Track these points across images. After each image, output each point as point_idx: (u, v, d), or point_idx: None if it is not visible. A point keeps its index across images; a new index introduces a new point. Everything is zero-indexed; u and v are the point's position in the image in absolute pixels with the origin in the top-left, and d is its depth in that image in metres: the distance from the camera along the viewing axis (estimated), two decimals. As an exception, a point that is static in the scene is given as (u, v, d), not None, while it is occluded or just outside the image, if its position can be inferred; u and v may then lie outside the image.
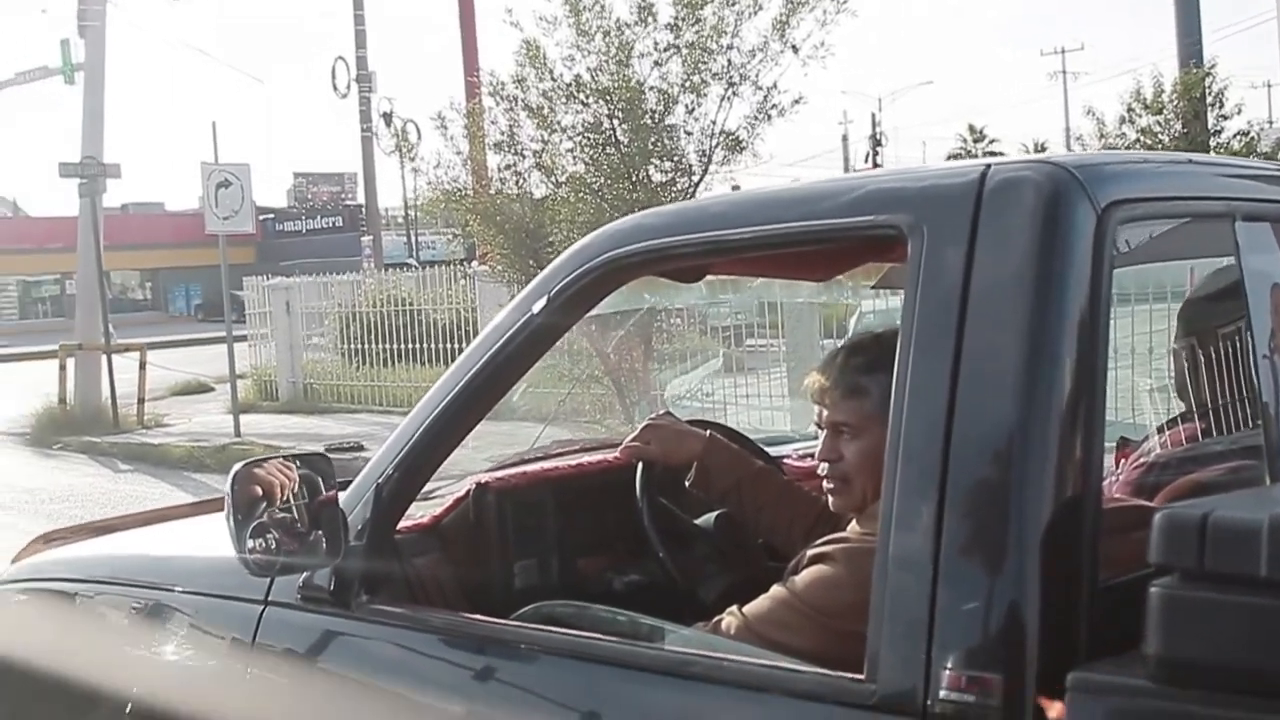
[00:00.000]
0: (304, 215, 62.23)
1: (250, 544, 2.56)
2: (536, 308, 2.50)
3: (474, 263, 18.48)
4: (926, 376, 1.97)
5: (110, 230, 21.68)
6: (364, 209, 43.57)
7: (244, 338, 21.20)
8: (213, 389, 22.73)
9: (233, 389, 17.82)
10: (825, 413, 2.53)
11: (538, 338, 2.58)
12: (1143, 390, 3.22)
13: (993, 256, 1.96)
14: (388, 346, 19.09)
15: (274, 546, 2.58)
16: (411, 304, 18.92)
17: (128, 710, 3.05)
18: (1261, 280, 2.35)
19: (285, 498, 2.60)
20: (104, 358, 18.78)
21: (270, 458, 2.64)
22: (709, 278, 2.96)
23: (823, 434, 2.56)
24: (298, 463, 2.65)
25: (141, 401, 18.99)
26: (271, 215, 60.76)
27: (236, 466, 2.59)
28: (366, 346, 19.41)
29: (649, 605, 2.55)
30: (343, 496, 2.67)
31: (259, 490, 2.60)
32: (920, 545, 1.90)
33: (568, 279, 2.48)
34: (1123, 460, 2.92)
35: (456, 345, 17.24)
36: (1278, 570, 1.58)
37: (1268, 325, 2.35)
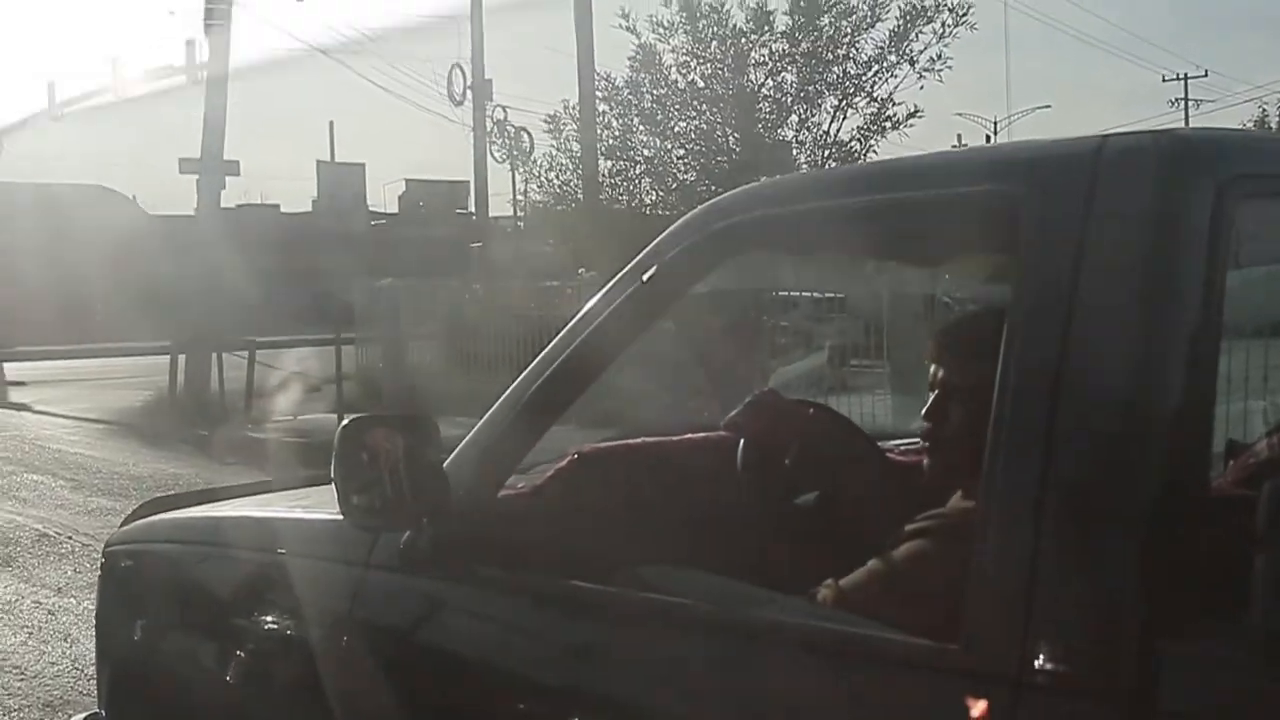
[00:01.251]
0: (415, 222, 62.85)
1: (354, 500, 2.60)
2: (646, 276, 2.51)
3: (581, 270, 18.59)
4: (1034, 346, 1.95)
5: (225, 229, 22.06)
6: (474, 216, 43.94)
7: (351, 340, 21.45)
8: (319, 388, 23.02)
9: (338, 387, 18.04)
10: (939, 372, 2.52)
11: (646, 307, 2.59)
12: (1257, 399, 3.17)
13: (1107, 225, 1.94)
14: (493, 350, 19.22)
15: (377, 506, 2.62)
16: (518, 310, 19.03)
17: (230, 671, 3.11)
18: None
19: (391, 462, 2.63)
20: (215, 352, 19.09)
21: (377, 418, 2.67)
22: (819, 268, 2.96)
23: (933, 395, 2.54)
24: (403, 425, 2.68)
25: (250, 396, 19.28)
26: (383, 221, 61.46)
27: (344, 422, 2.64)
28: (473, 349, 19.55)
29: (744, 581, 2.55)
30: (447, 461, 2.70)
31: (364, 455, 2.64)
32: (1022, 516, 1.88)
33: (679, 248, 2.49)
34: (1232, 462, 2.87)
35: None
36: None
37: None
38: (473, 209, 45.98)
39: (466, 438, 2.75)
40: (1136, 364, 1.87)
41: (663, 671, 2.31)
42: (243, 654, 3.10)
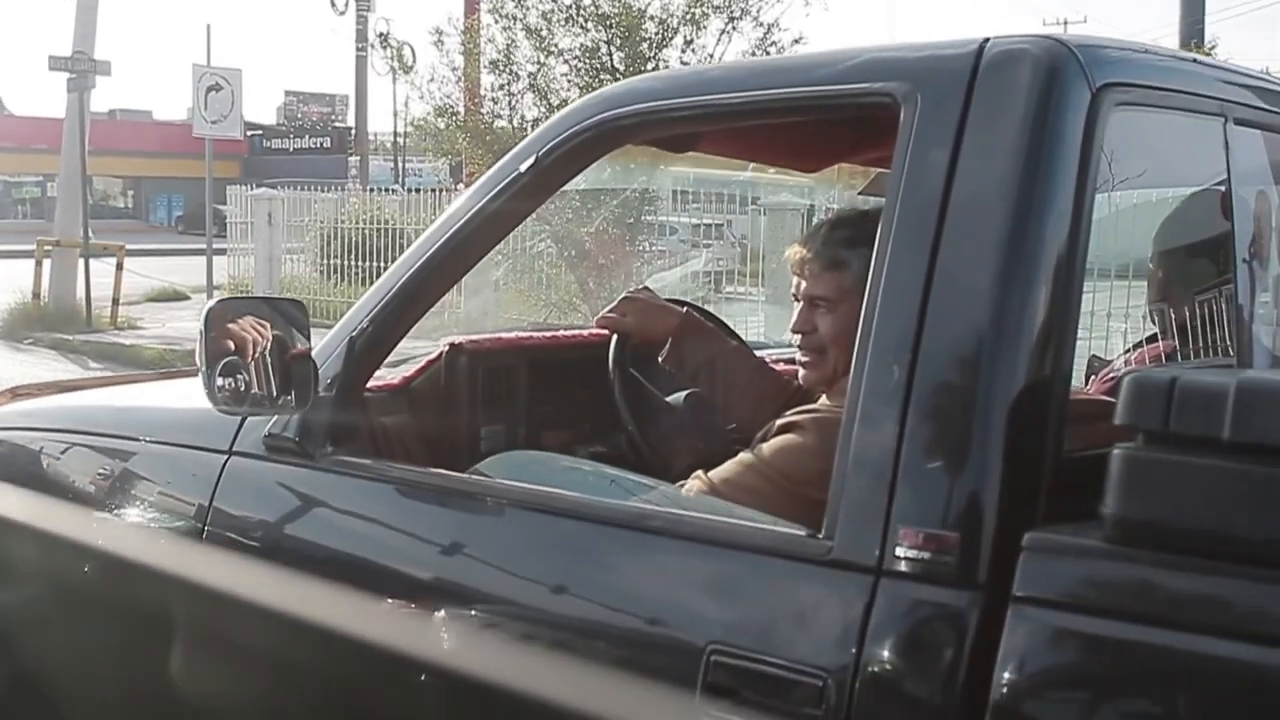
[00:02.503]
0: (292, 134, 61.72)
1: (220, 382, 2.55)
2: (524, 167, 2.49)
3: (460, 185, 18.42)
4: (908, 245, 1.96)
5: (96, 135, 21.52)
6: (353, 131, 43.36)
7: (224, 251, 21.06)
8: (188, 297, 22.61)
9: (209, 296, 17.74)
10: (804, 284, 2.54)
11: (522, 198, 2.56)
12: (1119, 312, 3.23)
13: (984, 126, 1.95)
14: (367, 265, 19.00)
15: (243, 389, 2.58)
16: (394, 225, 18.82)
17: (87, 565, 3.05)
18: (1248, 185, 2.36)
19: (258, 346, 2.59)
20: (80, 257, 18.65)
21: (245, 299, 2.62)
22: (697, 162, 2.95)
23: (799, 306, 2.56)
24: (271, 309, 2.64)
25: (116, 303, 18.89)
26: (260, 132, 60.27)
27: (210, 303, 2.59)
28: (346, 264, 19.31)
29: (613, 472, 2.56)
30: (315, 348, 2.66)
31: (231, 338, 2.60)
32: (887, 409, 1.91)
33: (558, 139, 2.47)
34: (1093, 378, 2.94)
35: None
36: (1242, 433, 1.59)
37: (1250, 230, 2.37)
38: (352, 123, 45.55)
39: (336, 326, 2.72)
40: (1006, 264, 1.89)
41: (525, 559, 2.31)
42: (101, 543, 3.04)
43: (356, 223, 19.42)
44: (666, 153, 2.86)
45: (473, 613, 2.33)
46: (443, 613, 2.35)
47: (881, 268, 1.98)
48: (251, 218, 20.56)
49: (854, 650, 1.83)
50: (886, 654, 1.82)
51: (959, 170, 1.95)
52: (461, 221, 2.56)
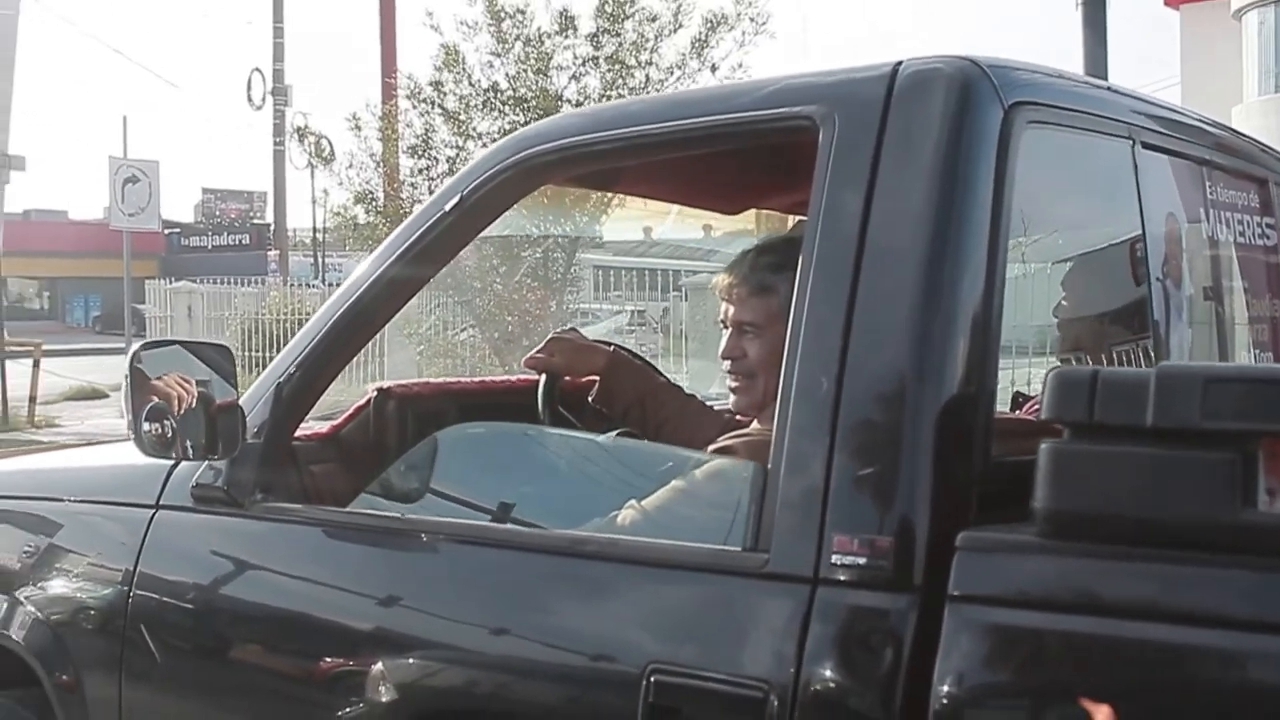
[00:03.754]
0: (210, 231, 61.32)
1: (146, 428, 2.53)
2: (449, 206, 2.50)
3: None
4: (831, 261, 2.00)
5: (10, 236, 21.21)
6: (272, 227, 43.23)
7: (144, 346, 20.79)
8: (107, 395, 22.27)
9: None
10: (731, 310, 2.57)
11: (448, 238, 2.57)
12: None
13: (901, 142, 2.00)
14: (290, 355, 18.82)
15: (170, 435, 2.55)
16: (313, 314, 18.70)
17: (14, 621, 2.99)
18: (1157, 207, 2.43)
19: (186, 391, 2.57)
20: (-2, 360, 18.37)
21: (172, 343, 2.61)
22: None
23: (727, 332, 2.58)
24: (198, 353, 2.62)
25: (33, 400, 18.59)
26: (177, 230, 59.83)
27: (135, 347, 2.57)
28: (268, 357, 19.16)
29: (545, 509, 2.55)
30: (243, 396, 2.65)
31: (158, 382, 2.58)
32: (817, 421, 1.93)
33: (482, 177, 2.48)
34: (1017, 411, 2.97)
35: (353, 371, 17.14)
36: (1164, 418, 1.63)
37: (1161, 250, 2.43)
38: (270, 219, 45.36)
39: (263, 373, 2.70)
40: (928, 276, 1.93)
41: (465, 595, 2.29)
42: (32, 608, 2.97)
43: (278, 316, 19.34)
44: (587, 198, 2.89)
45: (413, 653, 2.31)
46: (384, 653, 2.33)
47: (807, 282, 2.01)
48: (171, 312, 20.45)
49: (794, 659, 1.84)
50: (827, 661, 1.83)
51: (878, 185, 1.99)
52: (388, 263, 2.56)
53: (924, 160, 1.97)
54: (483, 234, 2.72)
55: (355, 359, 2.76)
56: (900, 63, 2.08)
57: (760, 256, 2.56)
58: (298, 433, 2.73)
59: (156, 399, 2.58)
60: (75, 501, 2.99)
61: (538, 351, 3.00)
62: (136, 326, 19.60)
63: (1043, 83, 2.22)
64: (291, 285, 24.64)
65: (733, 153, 2.48)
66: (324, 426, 2.96)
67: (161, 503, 2.73)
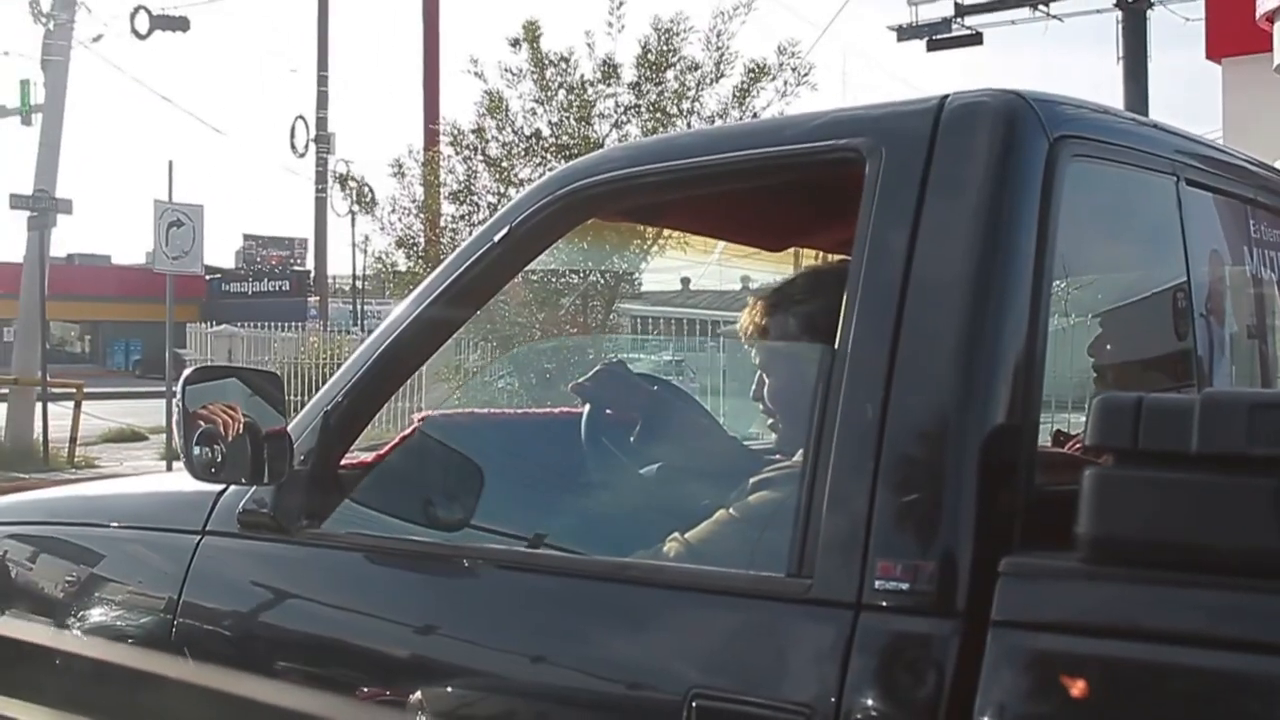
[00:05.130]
0: (250, 277, 61.93)
1: (196, 452, 2.56)
2: (497, 237, 2.53)
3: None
4: (877, 288, 2.02)
5: (54, 279, 21.47)
6: (312, 274, 43.55)
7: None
8: (146, 437, 22.49)
9: (168, 435, 17.64)
10: (754, 352, 2.61)
11: (496, 270, 2.61)
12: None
13: (947, 173, 2.02)
14: (327, 400, 18.90)
15: (219, 460, 2.58)
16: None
17: (59, 657, 3.02)
18: (1200, 244, 2.44)
19: (234, 416, 2.61)
20: (38, 400, 18.55)
21: (223, 368, 2.64)
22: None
23: (758, 374, 2.62)
24: (248, 379, 2.66)
25: (74, 441, 18.76)
26: (219, 275, 60.36)
27: (187, 371, 2.61)
28: (305, 399, 19.19)
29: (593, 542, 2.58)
30: (291, 423, 2.68)
31: (208, 408, 2.61)
32: (861, 448, 1.94)
33: (531, 209, 2.51)
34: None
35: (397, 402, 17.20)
36: (1208, 445, 1.63)
37: (1205, 286, 2.43)
38: (311, 265, 45.76)
39: (311, 401, 2.74)
40: (974, 306, 1.95)
41: (510, 621, 2.31)
42: (79, 632, 3.01)
43: (316, 360, 19.44)
44: (634, 234, 2.92)
45: (454, 680, 2.33)
46: (424, 682, 2.35)
47: (854, 311, 2.02)
48: (211, 356, 20.56)
49: (837, 684, 1.85)
50: (869, 686, 1.83)
51: (924, 217, 2.01)
52: (436, 293, 2.60)
53: (970, 191, 1.99)
54: (527, 276, 2.76)
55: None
56: (947, 96, 2.11)
57: (778, 295, 2.61)
58: (344, 460, 2.76)
59: (205, 424, 2.61)
60: (121, 527, 3.02)
61: (584, 379, 3.02)
62: (177, 371, 19.71)
63: (1088, 117, 2.24)
64: (331, 331, 24.82)
65: (779, 187, 2.51)
66: (369, 455, 2.98)
67: (208, 529, 2.77)
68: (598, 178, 2.47)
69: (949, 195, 2.01)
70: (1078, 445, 2.82)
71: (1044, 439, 2.54)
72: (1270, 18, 14.12)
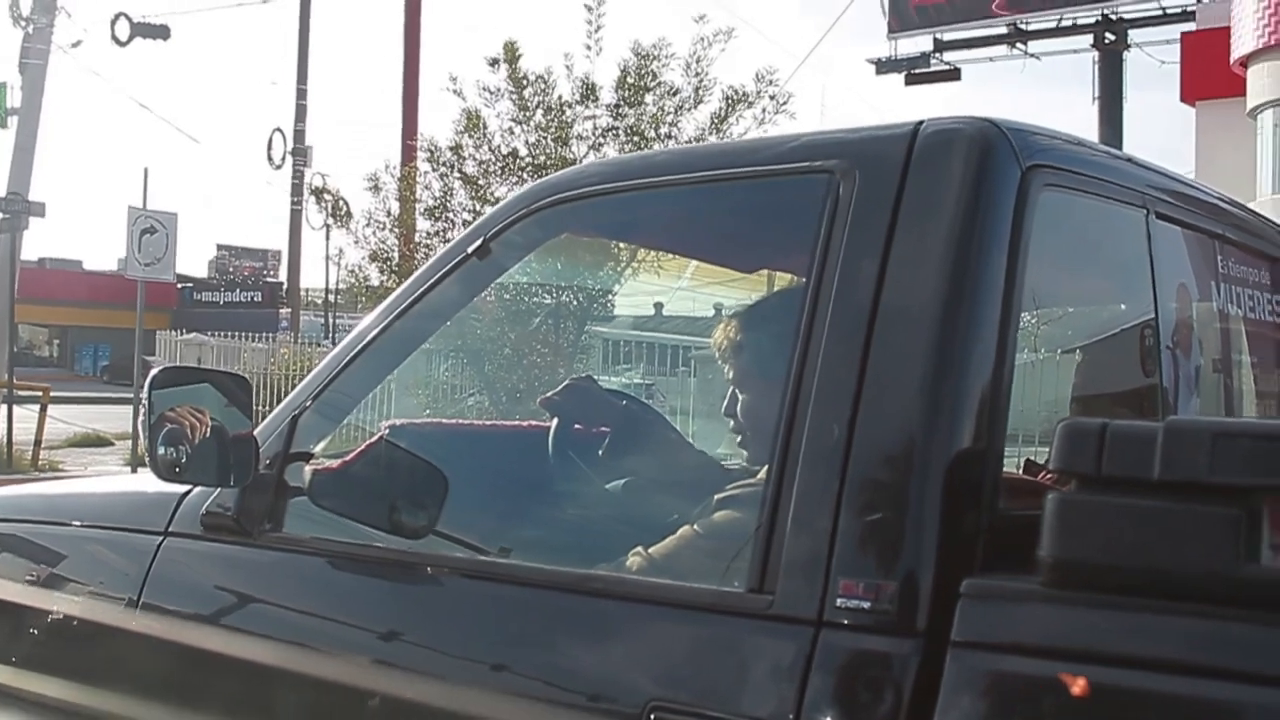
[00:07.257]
0: (223, 287, 61.64)
1: (161, 452, 2.56)
2: (471, 248, 2.53)
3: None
4: (847, 310, 2.03)
5: (24, 283, 21.37)
6: (284, 286, 43.42)
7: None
8: (112, 443, 22.32)
9: (134, 441, 17.55)
10: (726, 368, 2.61)
11: (469, 280, 2.61)
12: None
13: (920, 197, 2.04)
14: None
15: (184, 461, 2.58)
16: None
17: (13, 656, 3.01)
18: (1169, 277, 2.46)
19: (201, 418, 2.61)
20: (3, 403, 18.41)
21: (190, 370, 2.64)
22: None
23: (731, 389, 2.62)
24: (215, 381, 2.66)
25: (38, 444, 18.61)
26: (191, 284, 60.15)
27: (154, 372, 2.60)
28: (273, 410, 19.17)
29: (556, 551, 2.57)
30: (258, 428, 2.68)
31: (174, 408, 2.61)
32: (826, 467, 1.95)
33: (506, 221, 2.52)
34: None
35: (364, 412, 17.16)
36: (1171, 472, 1.65)
37: (1173, 320, 2.45)
38: (284, 278, 45.64)
39: (279, 406, 2.74)
40: (942, 325, 1.96)
41: (471, 630, 2.31)
42: (36, 631, 2.99)
43: (287, 371, 19.39)
44: (607, 255, 2.93)
45: (414, 686, 2.32)
46: (384, 687, 2.34)
47: (823, 330, 2.03)
48: (179, 363, 20.46)
49: (796, 701, 1.85)
50: (828, 703, 1.84)
51: (896, 240, 2.02)
52: (407, 302, 2.60)
53: (942, 216, 2.01)
54: (498, 294, 2.76)
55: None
56: (922, 122, 2.13)
57: (748, 315, 2.62)
58: (310, 466, 2.76)
59: (172, 425, 2.61)
60: (84, 526, 3.01)
61: (554, 393, 3.03)
62: (144, 377, 19.63)
63: (1061, 148, 2.26)
64: (302, 343, 24.75)
65: (754, 207, 2.52)
66: (335, 461, 2.98)
67: (170, 530, 2.76)
68: (574, 191, 2.48)
69: (921, 219, 2.03)
70: (1048, 476, 2.84)
71: (1015, 468, 2.56)
72: (1244, 62, 14.27)
